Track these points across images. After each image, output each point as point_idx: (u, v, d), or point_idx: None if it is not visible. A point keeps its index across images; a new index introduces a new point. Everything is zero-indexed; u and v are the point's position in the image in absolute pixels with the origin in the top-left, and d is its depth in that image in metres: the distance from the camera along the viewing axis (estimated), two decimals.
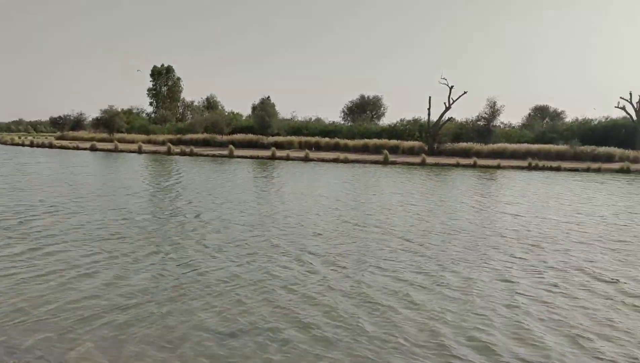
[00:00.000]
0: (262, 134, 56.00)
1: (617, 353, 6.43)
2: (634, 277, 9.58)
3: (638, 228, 14.70)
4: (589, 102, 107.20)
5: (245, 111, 73.63)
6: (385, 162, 42.66)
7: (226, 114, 69.30)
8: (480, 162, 42.75)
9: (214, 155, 45.21)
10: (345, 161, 43.45)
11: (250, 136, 55.53)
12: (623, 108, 50.93)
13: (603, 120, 55.14)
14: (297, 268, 9.67)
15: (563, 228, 14.38)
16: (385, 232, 13.32)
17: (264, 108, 58.50)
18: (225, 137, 55.79)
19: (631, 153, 44.45)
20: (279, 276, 9.17)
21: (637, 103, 50.21)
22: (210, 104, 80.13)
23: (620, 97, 51.09)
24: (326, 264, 10.00)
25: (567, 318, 7.47)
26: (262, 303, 7.89)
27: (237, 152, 46.10)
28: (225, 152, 46.02)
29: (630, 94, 50.54)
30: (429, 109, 52.11)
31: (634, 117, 50.47)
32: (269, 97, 61.77)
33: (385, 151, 45.28)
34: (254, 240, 11.91)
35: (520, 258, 10.87)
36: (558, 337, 6.86)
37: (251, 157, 44.36)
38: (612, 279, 9.40)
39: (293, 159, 43.83)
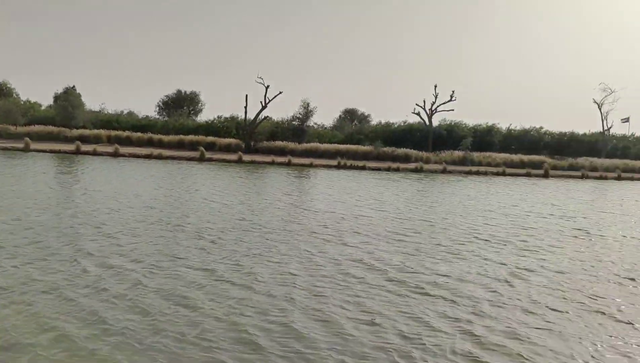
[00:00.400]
0: (65, 127, 51.04)
1: (378, 340, 6.87)
2: (407, 267, 10.49)
3: (418, 222, 16.31)
4: (391, 108, 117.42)
5: (46, 101, 66.52)
6: (201, 159, 41.87)
7: (22, 102, 61.85)
8: (295, 160, 44.19)
9: (5, 148, 39.99)
10: (159, 157, 41.71)
11: (50, 128, 50.20)
12: (418, 114, 56.90)
13: (402, 124, 60.92)
14: (68, 271, 8.80)
15: (354, 223, 15.36)
16: (179, 229, 12.89)
17: (67, 98, 53.38)
18: (20, 129, 49.70)
19: (424, 154, 49.67)
20: (42, 280, 8.23)
21: (429, 110, 56.43)
22: (3, 91, 70.78)
23: (416, 104, 57.04)
24: (103, 266, 9.26)
25: (341, 309, 7.84)
26: (15, 311, 6.98)
27: (34, 146, 41.37)
28: (20, 145, 41.02)
29: (424, 101, 56.70)
30: (245, 107, 52.46)
31: (427, 122, 56.64)
32: (74, 86, 56.58)
33: (201, 148, 44.48)
34: (23, 242, 10.60)
35: (307, 251, 11.28)
36: (328, 328, 7.12)
37: (51, 151, 40.19)
38: (387, 269, 10.20)
39: (101, 154, 40.77)
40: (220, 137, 52.11)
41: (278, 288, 8.59)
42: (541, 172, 45.81)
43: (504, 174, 44.77)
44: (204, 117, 67.83)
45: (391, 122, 62.72)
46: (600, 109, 60.98)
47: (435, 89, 56.14)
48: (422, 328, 7.28)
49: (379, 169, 43.04)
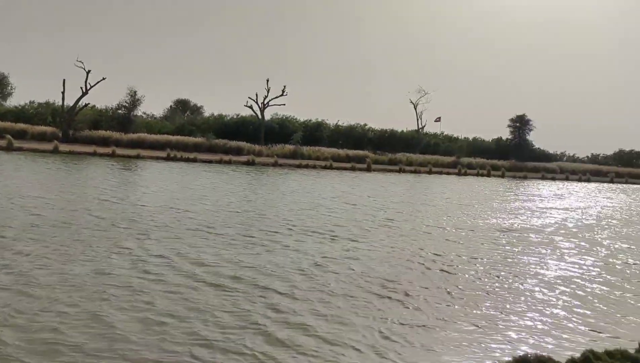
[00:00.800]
0: None
1: (168, 341, 6.45)
2: (211, 262, 10.13)
3: (235, 215, 16.11)
4: (225, 99, 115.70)
5: None
6: (8, 148, 37.30)
7: None
8: (120, 151, 41.56)
9: None
10: None
11: None
12: (250, 107, 56.97)
13: (235, 117, 60.55)
14: None
15: (168, 217, 14.63)
16: None
17: None
18: None
19: (257, 147, 49.93)
20: None
21: (261, 103, 56.82)
22: None
23: (249, 97, 57.01)
24: None
25: (128, 311, 7.20)
26: None
27: None
28: None
29: (257, 95, 56.90)
30: (63, 93, 48.00)
31: (259, 116, 57.01)
32: None
33: (9, 136, 39.62)
34: None
35: (105, 248, 10.40)
36: (107, 333, 6.45)
37: None
38: (189, 264, 9.75)
39: None
40: (33, 125, 46.95)
41: (55, 292, 7.68)
42: (364, 166, 48.77)
43: (331, 167, 46.81)
44: (13, 101, 60.49)
45: (224, 114, 62.03)
46: (415, 109, 66.93)
47: (267, 83, 56.71)
48: (216, 326, 7.00)
49: (210, 161, 42.30)
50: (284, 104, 59.38)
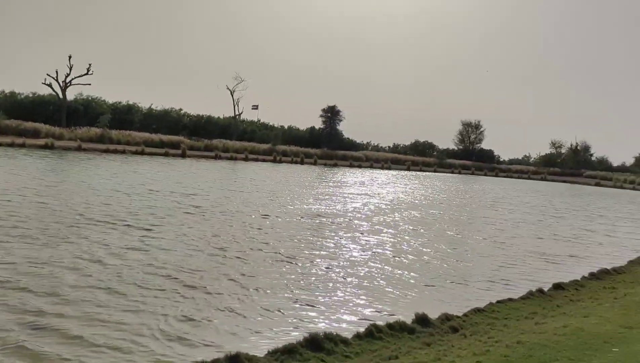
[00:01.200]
0: None
1: None
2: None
3: (25, 204, 14.13)
4: (17, 75, 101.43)
5: None
6: None
7: None
8: None
9: None
10: None
11: None
12: (49, 85, 51.20)
13: (31, 96, 53.92)
14: None
15: None
16: None
17: None
18: None
19: (57, 130, 45.13)
20: None
21: (62, 82, 51.44)
22: None
23: (47, 74, 51.16)
24: None
25: None
26: None
27: None
28: None
29: (57, 72, 51.31)
30: None
31: (60, 95, 51.57)
32: None
33: None
34: None
35: None
36: None
37: None
38: None
39: None
40: None
41: None
42: (179, 151, 47.12)
43: (142, 153, 44.36)
44: None
45: (18, 92, 54.84)
46: (232, 96, 66.52)
47: (69, 60, 51.45)
48: None
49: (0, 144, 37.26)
50: (90, 84, 54.64)
